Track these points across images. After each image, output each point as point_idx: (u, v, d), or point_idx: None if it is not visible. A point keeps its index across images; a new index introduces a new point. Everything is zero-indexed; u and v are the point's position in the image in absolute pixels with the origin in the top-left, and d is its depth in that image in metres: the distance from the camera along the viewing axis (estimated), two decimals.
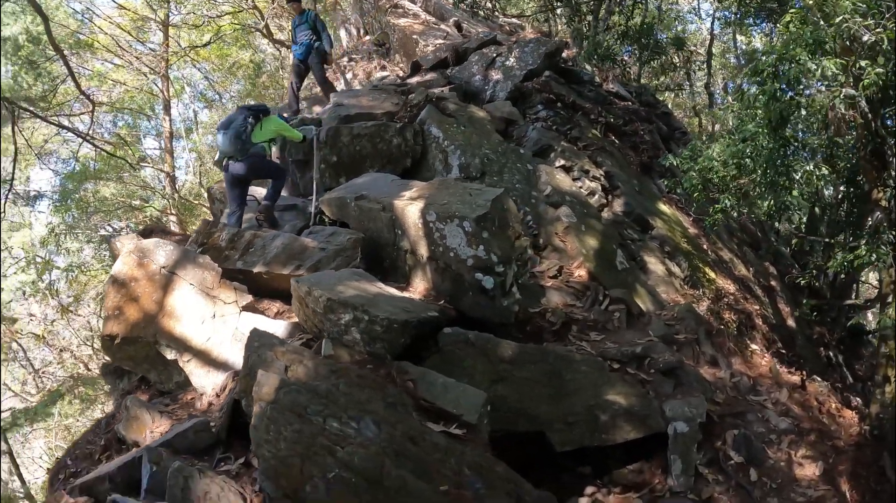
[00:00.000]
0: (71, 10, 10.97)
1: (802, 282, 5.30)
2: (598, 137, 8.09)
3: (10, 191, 8.66)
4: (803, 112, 4.08)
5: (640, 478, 4.41)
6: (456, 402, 3.35)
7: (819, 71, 3.55)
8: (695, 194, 5.86)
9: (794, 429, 4.70)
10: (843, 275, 8.48)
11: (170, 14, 10.83)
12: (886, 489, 4.81)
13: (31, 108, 8.25)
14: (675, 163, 5.98)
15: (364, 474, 2.75)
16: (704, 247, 7.95)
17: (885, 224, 5.22)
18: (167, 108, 11.58)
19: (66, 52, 8.53)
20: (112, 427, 4.75)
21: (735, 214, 6.02)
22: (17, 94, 8.77)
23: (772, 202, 4.75)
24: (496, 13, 11.78)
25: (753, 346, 6.12)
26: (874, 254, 4.74)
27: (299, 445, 2.79)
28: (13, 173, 7.64)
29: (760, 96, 4.06)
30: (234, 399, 3.52)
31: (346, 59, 10.93)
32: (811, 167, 4.29)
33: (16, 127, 8.10)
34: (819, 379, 6.72)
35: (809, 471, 4.45)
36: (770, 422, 4.78)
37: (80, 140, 9.95)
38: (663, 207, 7.90)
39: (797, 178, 4.28)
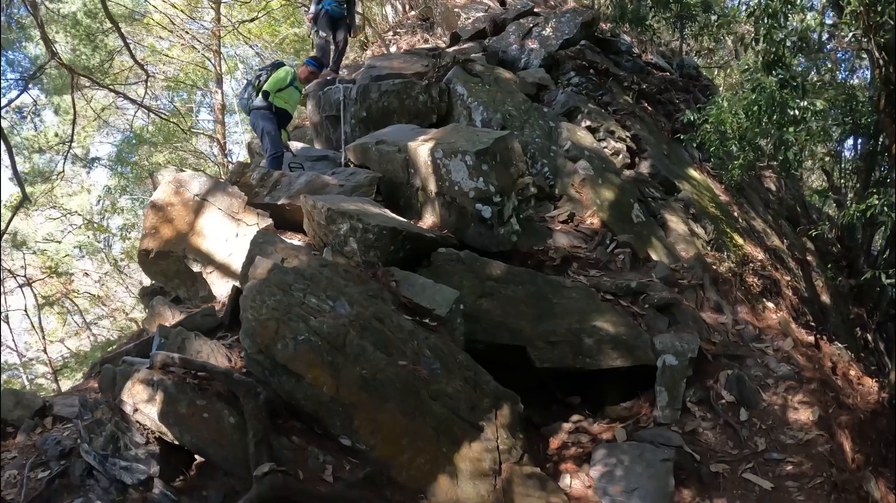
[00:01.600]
0: None
1: (814, 233, 5.32)
2: (629, 103, 8.26)
3: (69, 151, 9.62)
4: (788, 43, 4.19)
5: (629, 413, 4.59)
6: (431, 299, 3.71)
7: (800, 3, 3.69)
8: (711, 148, 5.99)
9: (793, 375, 4.73)
10: (886, 253, 8.30)
11: None
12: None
13: (90, 76, 9.16)
14: (692, 118, 6.12)
15: (329, 339, 3.15)
16: (735, 214, 7.97)
17: None
18: (219, 82, 12.51)
19: (122, 28, 9.34)
20: (142, 338, 5.34)
21: (753, 171, 6.08)
22: (76, 65, 9.76)
23: (782, 149, 4.86)
24: None
25: (769, 304, 6.15)
26: (885, 206, 4.78)
27: (278, 311, 3.21)
28: (72, 135, 8.56)
29: (756, 36, 4.21)
30: (236, 287, 3.99)
31: (391, 33, 11.47)
32: (805, 103, 4.39)
33: (74, 93, 8.99)
34: (841, 345, 6.68)
35: (804, 415, 4.42)
36: (769, 367, 4.84)
37: (136, 109, 10.95)
38: (693, 173, 7.98)
39: (792, 114, 4.39)
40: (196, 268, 4.96)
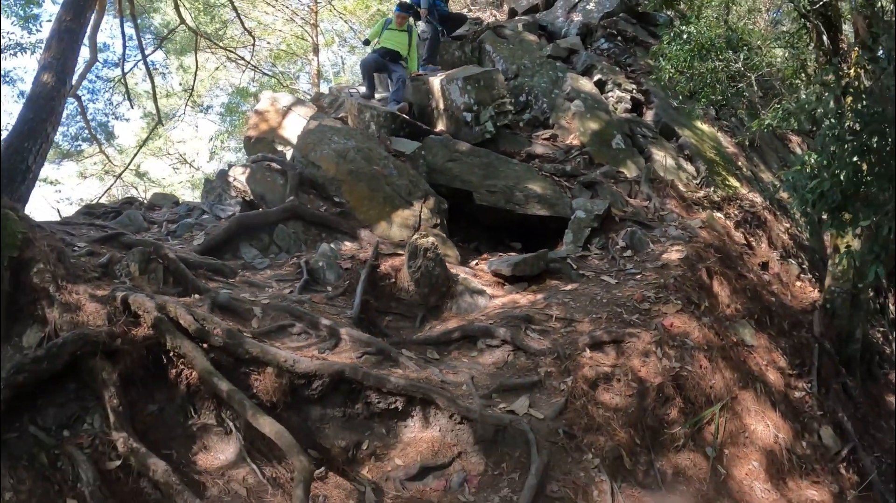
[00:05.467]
0: None
1: None
2: (649, 65, 11.60)
3: (190, 97, 14.47)
4: None
5: None
6: (404, 147, 7.49)
7: None
8: (677, 87, 9.20)
9: (684, 237, 7.79)
10: None
11: None
12: (807, 351, 7.25)
13: (211, 39, 13.89)
14: (660, 60, 9.40)
15: (338, 152, 7.04)
16: (739, 163, 10.97)
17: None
18: (315, 51, 17.13)
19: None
20: None
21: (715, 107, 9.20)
22: (197, 29, 14.63)
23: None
24: None
25: (717, 214, 9.21)
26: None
27: (314, 139, 7.16)
28: (193, 85, 13.24)
29: None
30: None
31: (465, 10, 15.47)
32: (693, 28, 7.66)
33: (197, 52, 13.76)
34: (794, 262, 9.55)
35: (674, 256, 7.19)
36: (668, 232, 7.98)
37: (243, 70, 15.77)
38: (702, 126, 11.13)
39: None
40: (279, 148, 9.11)
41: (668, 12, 13.44)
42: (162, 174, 18.07)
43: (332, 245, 6.22)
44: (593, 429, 4.34)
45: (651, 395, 4.67)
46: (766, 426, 5.12)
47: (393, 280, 5.84)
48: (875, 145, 4.39)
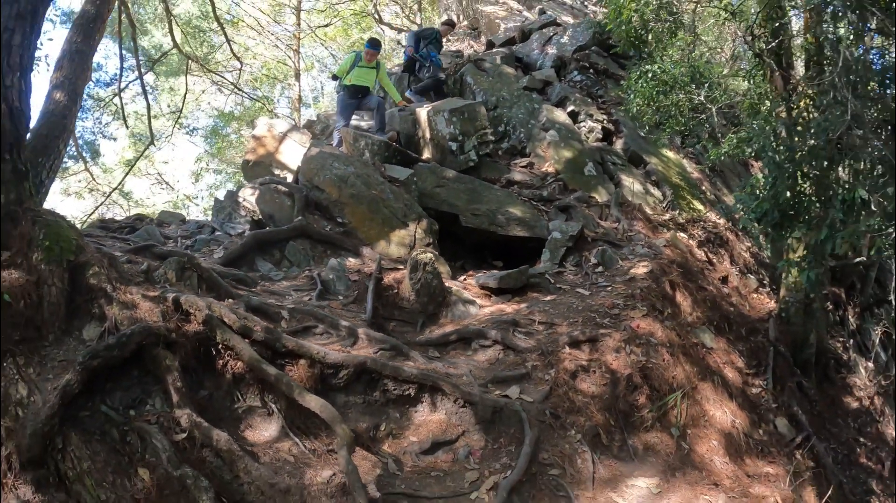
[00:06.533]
0: None
1: None
2: (619, 97, 12.71)
3: (178, 118, 15.32)
4: None
5: None
6: (397, 173, 8.42)
7: None
8: (644, 118, 10.28)
9: (650, 254, 8.81)
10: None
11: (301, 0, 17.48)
12: (763, 353, 8.42)
13: (200, 62, 14.77)
14: (623, 94, 10.47)
15: (339, 177, 7.95)
16: (703, 187, 12.07)
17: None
18: (297, 76, 18.09)
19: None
20: None
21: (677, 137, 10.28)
22: (188, 53, 15.52)
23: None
24: (584, 2, 16.75)
25: (681, 234, 10.26)
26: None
27: (317, 165, 8.05)
28: (182, 106, 14.08)
29: None
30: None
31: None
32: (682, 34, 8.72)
33: (187, 75, 14.62)
34: (753, 277, 10.61)
35: (641, 270, 8.31)
36: (635, 250, 9.00)
37: (228, 94, 16.68)
38: (668, 153, 12.22)
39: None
40: (277, 171, 9.97)
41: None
42: (144, 194, 18.98)
43: (338, 260, 7.09)
44: (575, 411, 5.24)
45: (622, 384, 5.60)
46: (724, 413, 6.07)
47: (395, 291, 6.72)
48: (809, 172, 5.42)
